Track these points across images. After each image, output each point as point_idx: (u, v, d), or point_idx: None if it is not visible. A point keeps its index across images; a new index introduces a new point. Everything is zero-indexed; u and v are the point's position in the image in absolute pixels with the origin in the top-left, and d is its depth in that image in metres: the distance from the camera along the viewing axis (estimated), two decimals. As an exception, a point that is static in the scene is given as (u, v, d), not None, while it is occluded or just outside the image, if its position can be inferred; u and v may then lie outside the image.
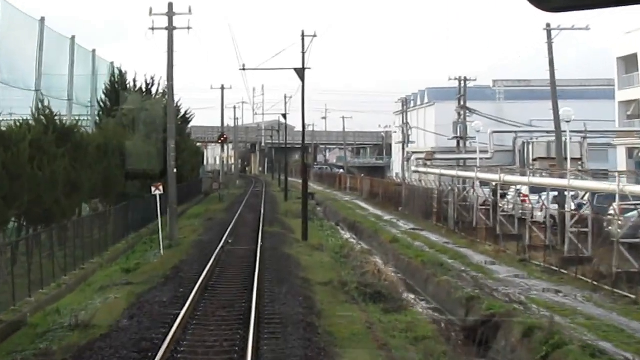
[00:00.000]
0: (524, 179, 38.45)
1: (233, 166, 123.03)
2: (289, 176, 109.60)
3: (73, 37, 50.54)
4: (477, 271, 29.69)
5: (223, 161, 71.50)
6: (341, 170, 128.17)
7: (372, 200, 70.34)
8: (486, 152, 60.10)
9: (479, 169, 45.61)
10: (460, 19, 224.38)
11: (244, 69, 37.03)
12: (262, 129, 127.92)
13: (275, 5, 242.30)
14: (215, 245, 32.40)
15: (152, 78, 56.11)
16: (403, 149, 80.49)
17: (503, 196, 47.23)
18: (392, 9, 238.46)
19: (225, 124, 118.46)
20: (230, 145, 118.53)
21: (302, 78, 35.63)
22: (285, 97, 66.68)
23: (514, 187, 47.14)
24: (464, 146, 61.87)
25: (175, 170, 35.20)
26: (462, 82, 62.33)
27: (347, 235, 47.35)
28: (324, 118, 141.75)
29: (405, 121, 79.81)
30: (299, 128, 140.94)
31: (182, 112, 57.71)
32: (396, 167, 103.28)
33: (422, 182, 59.04)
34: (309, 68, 36.15)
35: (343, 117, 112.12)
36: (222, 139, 65.07)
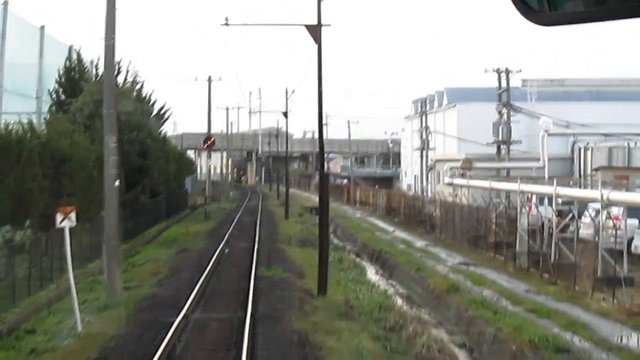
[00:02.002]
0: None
1: (228, 175, 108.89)
2: (282, 185, 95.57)
3: (5, 3, 36.76)
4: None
5: (211, 170, 57.22)
6: (345, 181, 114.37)
7: (391, 218, 56.24)
8: (537, 159, 46.17)
9: (559, 184, 31.63)
10: (459, 21, 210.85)
11: (227, 24, 23.01)
12: (259, 135, 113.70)
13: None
14: (175, 311, 18.39)
15: (119, 63, 42.05)
16: (422, 157, 66.39)
17: (571, 216, 33.75)
18: (388, 12, 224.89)
19: (220, 130, 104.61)
20: (225, 154, 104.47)
21: (317, 39, 21.63)
22: (287, 92, 52.85)
23: (593, 205, 33.68)
24: (507, 153, 47.99)
25: (117, 183, 21.01)
26: (504, 74, 48.45)
27: (374, 272, 33.36)
28: (326, 124, 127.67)
29: (424, 125, 65.85)
30: (298, 135, 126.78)
31: (157, 107, 43.76)
32: (408, 177, 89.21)
33: (458, 197, 45.09)
34: (328, 25, 22.11)
35: (348, 122, 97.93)
36: (209, 142, 51.05)
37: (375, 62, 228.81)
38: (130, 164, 39.60)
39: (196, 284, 22.40)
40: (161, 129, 45.21)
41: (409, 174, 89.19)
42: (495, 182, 37.67)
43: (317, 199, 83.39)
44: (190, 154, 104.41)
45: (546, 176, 39.44)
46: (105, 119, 20.82)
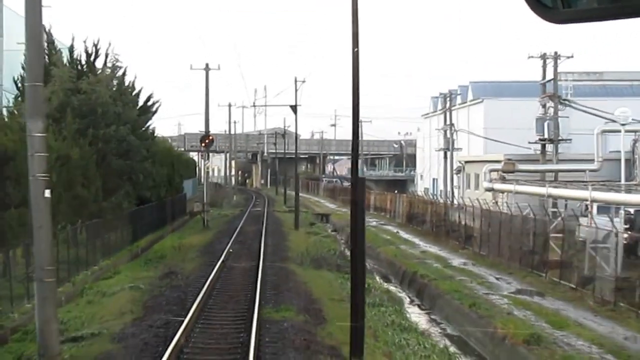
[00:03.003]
0: None
1: (231, 178, 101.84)
2: (288, 188, 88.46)
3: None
4: None
5: (214, 172, 49.87)
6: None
7: (414, 227, 49.00)
8: (590, 161, 39.02)
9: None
10: (466, 20, 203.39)
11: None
12: (265, 135, 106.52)
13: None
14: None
15: (96, 45, 35.04)
16: (446, 157, 59.18)
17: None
18: (391, 10, 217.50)
19: (224, 130, 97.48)
20: (227, 155, 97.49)
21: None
22: (296, 81, 45.37)
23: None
24: (554, 153, 40.72)
25: (48, 194, 13.86)
26: (553, 60, 41.16)
27: (412, 304, 26.19)
28: (333, 125, 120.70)
29: (449, 122, 58.59)
30: (305, 136, 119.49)
31: (142, 97, 36.48)
32: (425, 180, 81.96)
33: (498, 204, 37.96)
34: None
35: (360, 121, 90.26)
36: (207, 141, 43.78)
37: (386, 60, 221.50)
38: (108, 166, 32.64)
39: (171, 339, 15.24)
40: (149, 123, 38.09)
41: (427, 176, 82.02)
42: (554, 188, 30.48)
43: (328, 204, 75.97)
44: (194, 156, 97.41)
45: (623, 179, 32.31)
46: (28, 95, 13.66)
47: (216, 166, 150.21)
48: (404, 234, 45.66)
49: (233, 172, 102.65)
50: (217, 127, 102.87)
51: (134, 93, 36.21)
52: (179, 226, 49.99)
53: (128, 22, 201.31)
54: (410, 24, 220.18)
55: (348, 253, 38.88)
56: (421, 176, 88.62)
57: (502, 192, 36.43)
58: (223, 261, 28.10)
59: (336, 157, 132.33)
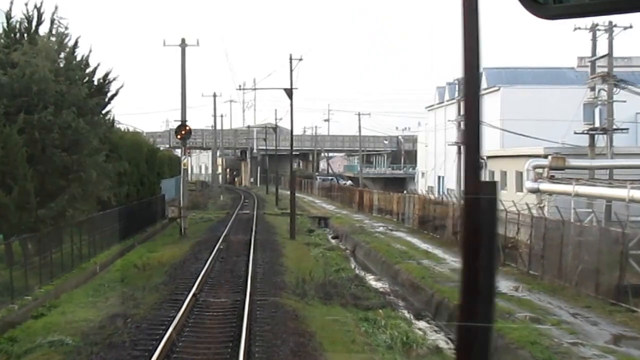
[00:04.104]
0: None
1: (218, 177, 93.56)
2: (280, 187, 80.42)
3: None
4: None
5: (187, 170, 41.26)
6: (349, 182, 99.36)
7: (429, 234, 40.80)
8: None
9: None
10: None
11: None
12: (254, 130, 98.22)
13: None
14: None
15: (38, 8, 26.62)
16: (460, 152, 51.04)
17: None
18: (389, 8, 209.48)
19: (210, 126, 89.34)
20: (213, 152, 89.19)
21: None
22: (291, 59, 36.68)
23: None
24: (609, 145, 32.69)
25: None
26: (606, 32, 33.12)
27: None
28: (327, 120, 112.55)
29: (463, 111, 50.42)
30: (296, 132, 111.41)
31: (96, 74, 28.02)
32: (429, 178, 73.85)
33: (543, 209, 29.93)
34: None
35: (359, 114, 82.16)
36: (182, 132, 35.38)
37: (385, 60, 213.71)
38: (48, 162, 24.42)
39: None
40: (108, 109, 29.71)
41: (430, 174, 73.93)
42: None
43: (324, 205, 66.91)
44: (181, 153, 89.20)
45: None
46: None
47: (203, 164, 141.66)
48: (420, 244, 37.53)
49: (220, 170, 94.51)
50: (204, 122, 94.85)
51: (87, 70, 27.80)
52: (155, 233, 41.85)
53: (121, 20, 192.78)
54: (409, 23, 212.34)
55: (363, 274, 30.79)
56: (422, 174, 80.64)
57: (553, 193, 28.40)
58: (195, 294, 19.83)
59: (330, 154, 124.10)
